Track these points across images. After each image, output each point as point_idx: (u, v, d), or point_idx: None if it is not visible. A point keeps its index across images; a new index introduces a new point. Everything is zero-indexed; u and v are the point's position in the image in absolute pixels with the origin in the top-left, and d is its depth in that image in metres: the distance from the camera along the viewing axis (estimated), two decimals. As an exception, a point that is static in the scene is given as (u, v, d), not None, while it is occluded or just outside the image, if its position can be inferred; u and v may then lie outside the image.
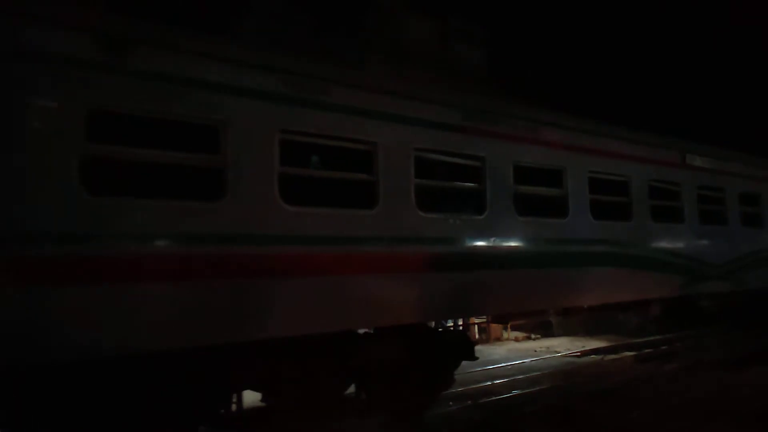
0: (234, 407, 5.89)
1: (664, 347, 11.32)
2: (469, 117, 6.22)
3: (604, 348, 11.55)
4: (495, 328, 13.92)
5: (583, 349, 11.75)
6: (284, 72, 4.90)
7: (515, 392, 7.85)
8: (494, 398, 7.52)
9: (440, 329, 7.03)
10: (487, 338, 13.77)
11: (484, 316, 10.15)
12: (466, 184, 6.27)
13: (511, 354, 11.73)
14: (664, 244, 8.28)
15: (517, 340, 13.94)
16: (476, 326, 13.55)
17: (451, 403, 7.30)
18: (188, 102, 4.34)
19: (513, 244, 6.45)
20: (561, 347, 12.32)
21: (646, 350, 11.08)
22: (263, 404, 5.53)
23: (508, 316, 9.37)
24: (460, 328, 8.15)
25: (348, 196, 5.31)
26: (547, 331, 14.33)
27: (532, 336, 14.22)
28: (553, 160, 7.00)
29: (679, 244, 8.56)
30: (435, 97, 6.14)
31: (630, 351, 11.07)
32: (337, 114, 5.17)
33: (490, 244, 6.20)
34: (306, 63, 5.22)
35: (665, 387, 7.87)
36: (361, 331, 5.77)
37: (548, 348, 12.43)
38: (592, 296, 7.48)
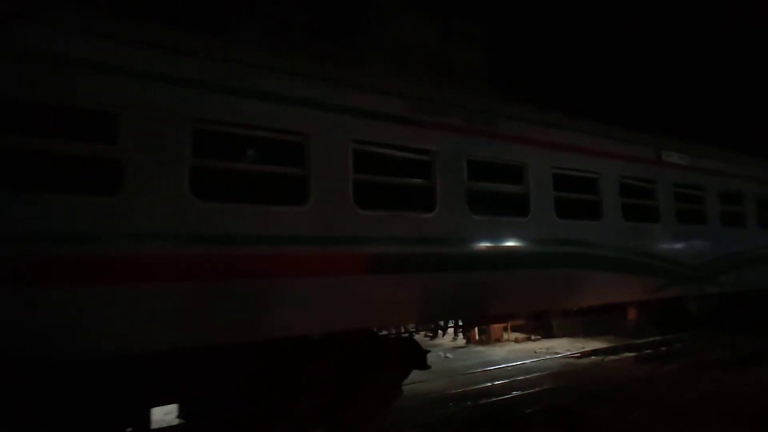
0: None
1: (663, 348, 11.32)
2: (418, 107, 5.80)
3: (604, 349, 11.55)
4: (495, 329, 13.92)
5: (583, 350, 11.74)
6: (206, 58, 4.56)
7: (515, 393, 7.85)
8: (494, 399, 7.52)
9: (387, 336, 6.53)
10: (487, 339, 13.77)
11: (435, 323, 10.18)
12: (414, 180, 5.79)
13: (511, 355, 11.73)
14: (636, 244, 7.81)
15: (517, 341, 13.93)
16: (476, 327, 13.58)
17: (451, 403, 7.31)
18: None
19: (466, 244, 5.97)
20: (561, 348, 12.32)
21: (646, 351, 11.08)
22: (179, 421, 5.04)
23: (469, 322, 9.47)
24: (409, 334, 7.78)
25: (276, 192, 4.87)
26: (547, 332, 14.33)
27: (532, 337, 14.22)
28: (512, 155, 6.54)
29: (653, 245, 8.10)
30: (377, 84, 5.67)
31: (630, 352, 11.06)
32: (261, 102, 4.74)
33: (441, 245, 5.73)
34: (228, 47, 4.80)
35: (665, 388, 7.87)
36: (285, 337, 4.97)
37: (548, 349, 12.43)
38: (558, 300, 7.06)
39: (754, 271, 10.04)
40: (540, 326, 14.33)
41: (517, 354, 11.83)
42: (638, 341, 11.81)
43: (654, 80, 21.48)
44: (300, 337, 5.00)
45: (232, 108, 4.60)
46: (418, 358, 6.22)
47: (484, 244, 6.14)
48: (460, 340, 14.15)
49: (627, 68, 21.04)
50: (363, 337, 5.66)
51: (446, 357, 11.55)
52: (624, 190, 7.81)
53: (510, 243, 6.40)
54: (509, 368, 9.97)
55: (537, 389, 8.10)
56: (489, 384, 8.49)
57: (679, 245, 8.56)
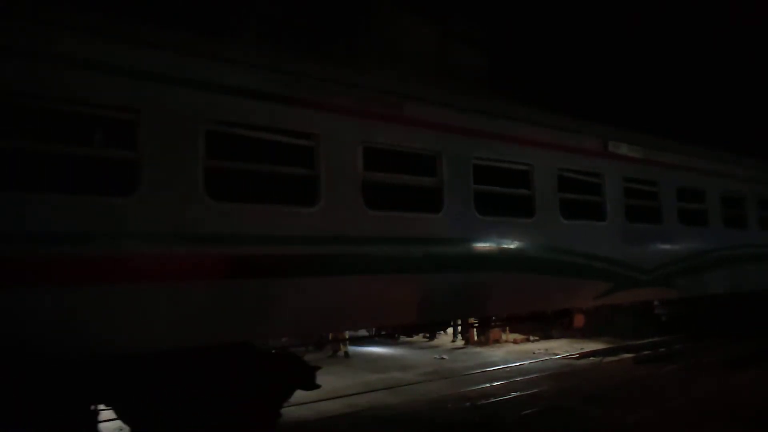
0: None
1: (662, 349, 11.32)
2: (295, 84, 5.00)
3: (602, 350, 11.54)
4: (494, 330, 13.92)
5: (581, 351, 11.74)
6: None
7: (514, 394, 7.84)
8: (493, 400, 7.51)
9: (267, 352, 5.73)
10: (485, 340, 13.76)
11: (322, 336, 9.34)
12: (292, 168, 5.03)
13: (509, 356, 11.73)
14: (577, 245, 7.04)
15: (515, 342, 13.93)
16: (475, 328, 13.58)
17: (449, 404, 7.31)
18: None
19: (359, 243, 5.18)
20: (560, 349, 12.32)
21: (645, 352, 11.08)
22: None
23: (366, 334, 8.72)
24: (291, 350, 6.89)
25: (100, 180, 4.20)
26: (545, 333, 14.34)
27: (531, 338, 14.22)
28: (421, 142, 5.79)
29: (598, 246, 7.31)
30: (241, 56, 4.86)
31: (628, 353, 11.06)
32: (73, 71, 3.91)
33: (325, 244, 4.95)
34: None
35: (664, 389, 7.87)
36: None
37: (547, 350, 12.43)
38: (479, 307, 6.36)
39: (721, 273, 9.35)
40: (539, 327, 14.34)
41: (516, 355, 11.83)
42: (637, 342, 11.81)
43: (655, 82, 21.50)
44: (135, 353, 4.14)
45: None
46: (303, 376, 5.38)
47: (384, 245, 5.31)
48: (459, 341, 14.16)
49: (627, 68, 21.06)
50: (235, 353, 4.81)
51: (441, 358, 11.55)
52: (563, 185, 7.04)
53: (416, 243, 5.55)
54: (508, 369, 9.97)
55: (536, 390, 8.09)
56: (487, 385, 8.49)
57: (629, 246, 7.78)
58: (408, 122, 5.73)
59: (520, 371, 9.73)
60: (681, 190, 8.86)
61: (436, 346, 13.03)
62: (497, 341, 13.83)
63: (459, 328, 13.68)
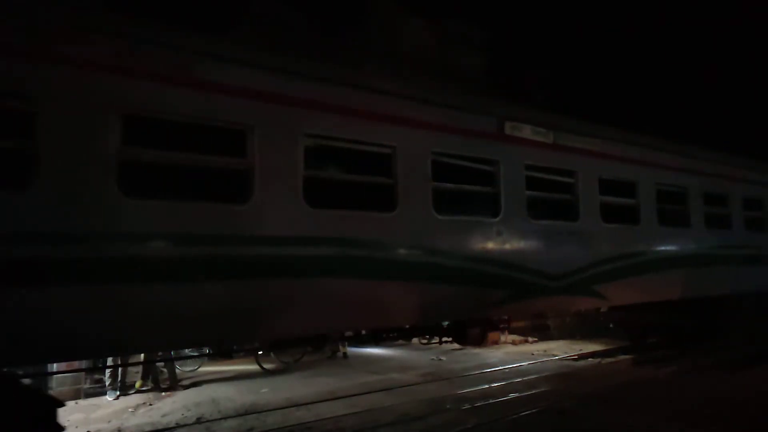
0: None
1: (660, 351, 11.31)
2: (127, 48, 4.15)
3: (601, 351, 11.55)
4: (492, 331, 13.92)
5: (580, 352, 11.75)
6: None
7: (512, 395, 7.83)
8: (491, 401, 7.50)
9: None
10: (484, 341, 13.76)
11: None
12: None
13: (508, 357, 11.73)
14: (458, 245, 5.91)
15: (514, 343, 13.94)
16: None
17: (448, 405, 7.30)
18: None
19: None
20: (558, 350, 12.33)
21: (643, 354, 11.07)
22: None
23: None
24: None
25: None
26: (544, 334, 14.36)
27: (530, 339, 14.23)
28: (228, 114, 4.59)
29: (488, 246, 6.18)
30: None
31: (627, 354, 11.06)
32: None
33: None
34: None
35: (662, 390, 7.87)
36: None
37: (545, 351, 12.43)
38: (312, 321, 4.97)
39: (659, 277, 8.21)
40: (538, 328, 14.35)
41: (515, 356, 11.82)
42: (635, 343, 11.81)
43: (655, 83, 21.53)
44: None
45: None
46: (45, 414, 4.07)
47: (162, 241, 4.22)
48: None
49: (629, 71, 21.10)
50: None
51: (440, 360, 11.54)
52: (439, 172, 5.89)
53: (221, 242, 4.42)
54: (506, 370, 9.96)
55: (534, 391, 8.08)
56: (486, 386, 8.47)
57: (532, 247, 6.65)
58: (201, 87, 4.48)
59: (518, 372, 9.73)
60: (605, 182, 7.61)
61: (435, 347, 13.02)
62: (496, 342, 13.83)
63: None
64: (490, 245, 6.21)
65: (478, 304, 6.13)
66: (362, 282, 5.14)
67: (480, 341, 7.22)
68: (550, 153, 7.01)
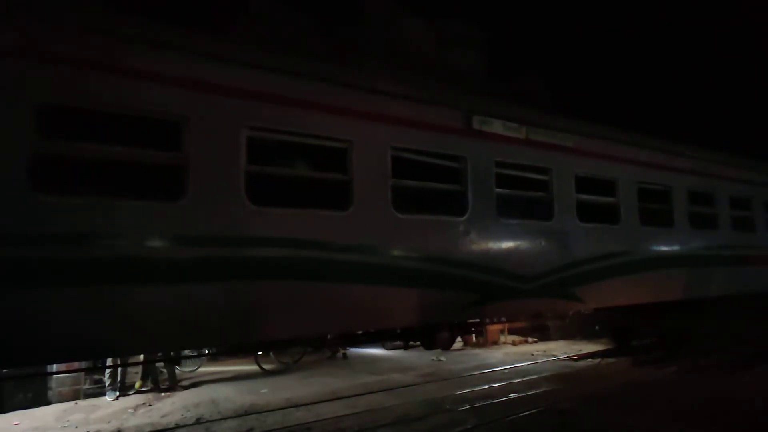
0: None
1: (660, 352, 11.31)
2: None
3: (600, 351, 11.54)
4: (492, 331, 13.93)
5: (580, 352, 11.76)
6: None
7: (512, 395, 7.83)
8: (491, 401, 7.50)
9: None
10: (484, 342, 13.76)
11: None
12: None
13: (508, 357, 11.73)
14: (421, 246, 5.58)
15: (514, 343, 13.94)
16: (473, 329, 13.57)
17: (448, 406, 7.29)
18: None
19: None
20: (558, 351, 12.33)
21: (643, 354, 11.07)
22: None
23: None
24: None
25: None
26: (544, 335, 14.35)
27: (530, 339, 14.23)
28: (159, 104, 4.24)
29: (454, 247, 5.85)
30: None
31: (626, 355, 11.05)
32: None
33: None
34: None
35: (662, 390, 7.87)
36: None
37: (545, 351, 12.43)
38: (254, 327, 4.62)
39: (642, 279, 7.87)
40: (537, 328, 14.35)
41: (514, 356, 11.83)
42: (635, 344, 11.80)
43: (655, 84, 21.55)
44: None
45: None
46: None
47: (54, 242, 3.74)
48: (458, 342, 14.14)
49: (629, 70, 21.12)
50: None
51: (439, 360, 11.54)
52: (400, 169, 5.56)
53: (155, 242, 4.11)
54: (506, 371, 9.96)
55: (534, 392, 8.08)
56: (486, 387, 8.47)
57: (503, 248, 6.30)
58: (127, 74, 4.13)
59: (518, 373, 9.72)
60: (583, 179, 7.29)
61: (434, 348, 13.01)
62: (495, 343, 13.84)
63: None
64: (457, 246, 5.89)
65: (443, 308, 5.77)
66: (312, 285, 4.83)
67: (449, 345, 6.89)
68: (522, 149, 6.70)
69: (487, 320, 7.11)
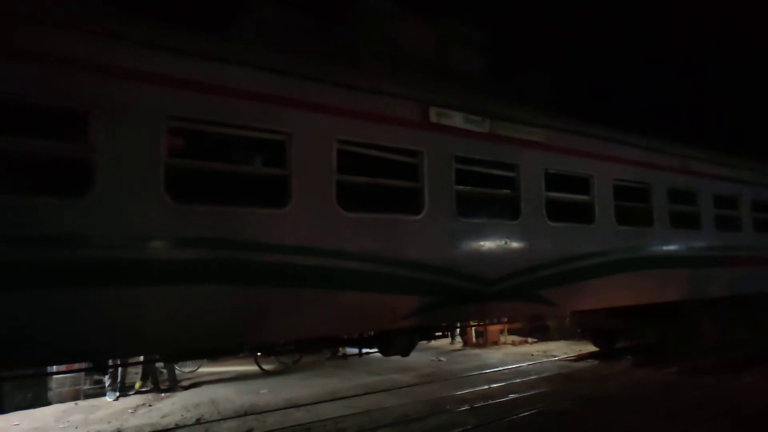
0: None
1: (659, 352, 11.32)
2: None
3: (600, 352, 11.55)
4: (492, 332, 13.94)
5: (579, 353, 11.76)
6: None
7: (512, 396, 7.83)
8: (491, 402, 7.50)
9: None
10: (484, 342, 13.77)
11: None
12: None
13: (508, 358, 11.73)
14: (376, 248, 5.16)
15: (514, 344, 13.94)
16: (473, 330, 13.59)
17: (448, 406, 7.30)
18: None
19: None
20: (558, 351, 12.33)
21: (643, 355, 11.07)
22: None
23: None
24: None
25: None
26: (544, 335, 14.37)
27: (529, 340, 14.24)
28: (61, 92, 3.85)
29: (411, 249, 5.42)
30: None
31: (626, 355, 11.06)
32: None
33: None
34: None
35: (661, 391, 7.87)
36: None
37: (545, 352, 12.43)
38: (177, 336, 4.19)
39: (619, 281, 7.43)
40: (537, 329, 14.36)
41: (514, 357, 11.83)
42: (634, 344, 11.81)
43: (656, 84, 21.54)
44: None
45: None
46: None
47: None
48: (458, 343, 14.16)
49: (629, 71, 21.10)
50: None
51: (439, 360, 11.54)
52: (346, 163, 5.13)
53: (60, 244, 3.69)
54: (506, 371, 9.97)
55: (534, 392, 8.08)
56: (486, 387, 8.48)
57: (464, 248, 5.89)
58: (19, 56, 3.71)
59: (518, 373, 9.73)
60: (553, 176, 6.86)
61: (433, 348, 13.03)
62: (495, 343, 13.85)
63: (457, 330, 13.67)
64: (412, 247, 5.46)
65: (396, 313, 5.32)
66: (242, 290, 4.40)
67: (408, 351, 6.29)
68: (486, 144, 6.26)
69: (457, 324, 6.71)
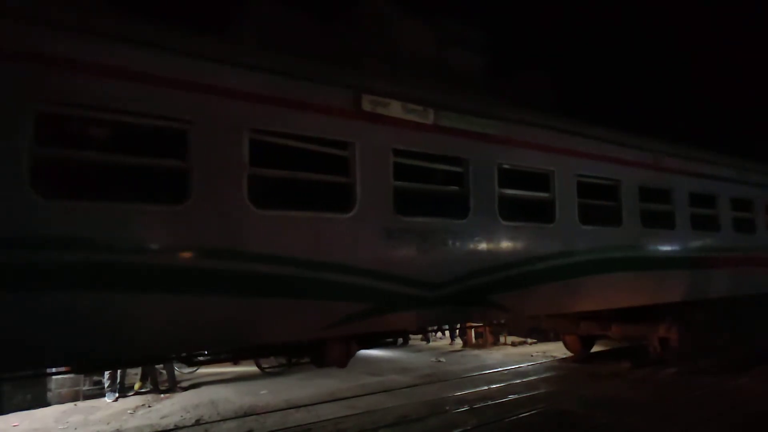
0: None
1: (659, 353, 11.30)
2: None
3: (600, 352, 11.55)
4: (491, 332, 13.94)
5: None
6: None
7: (511, 396, 7.83)
8: (491, 402, 7.49)
9: None
10: (483, 343, 13.76)
11: None
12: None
13: (507, 358, 11.73)
14: (296, 250, 4.67)
15: (513, 344, 13.93)
16: (473, 330, 13.58)
17: (447, 407, 7.29)
18: None
19: None
20: (558, 352, 12.31)
21: (642, 355, 11.06)
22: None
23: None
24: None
25: None
26: (543, 336, 14.34)
27: (529, 340, 14.22)
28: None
29: (339, 251, 4.96)
30: None
31: (626, 356, 11.05)
32: None
33: None
34: None
35: (661, 391, 7.87)
36: None
37: (545, 352, 12.43)
38: (47, 349, 3.70)
39: (583, 284, 7.00)
40: (537, 329, 14.33)
41: (514, 357, 11.83)
42: (633, 345, 11.80)
43: (655, 84, 21.55)
44: None
45: None
46: None
47: None
48: (457, 343, 14.16)
49: (628, 72, 21.11)
50: None
51: (439, 361, 11.53)
52: (261, 156, 4.64)
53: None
54: (505, 372, 9.96)
55: (533, 393, 8.08)
56: (485, 388, 8.47)
57: (403, 250, 5.41)
58: None
59: (517, 374, 9.73)
60: (508, 172, 6.41)
61: (433, 348, 13.02)
62: (495, 344, 13.84)
63: (457, 330, 13.67)
64: (339, 248, 4.98)
65: (324, 321, 4.86)
66: (130, 297, 3.90)
67: (345, 361, 5.70)
68: (429, 136, 5.77)
69: (387, 331, 5.89)
